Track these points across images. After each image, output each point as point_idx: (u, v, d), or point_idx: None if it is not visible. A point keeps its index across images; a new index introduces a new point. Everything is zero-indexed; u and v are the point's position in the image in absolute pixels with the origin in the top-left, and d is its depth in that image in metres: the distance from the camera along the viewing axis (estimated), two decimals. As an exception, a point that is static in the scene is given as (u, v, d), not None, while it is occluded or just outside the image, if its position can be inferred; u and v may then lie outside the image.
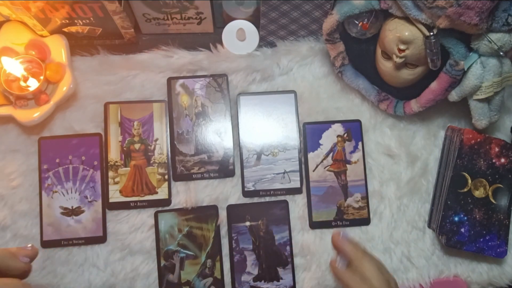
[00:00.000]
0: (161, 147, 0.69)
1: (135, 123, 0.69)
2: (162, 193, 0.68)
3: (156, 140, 0.69)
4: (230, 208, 0.68)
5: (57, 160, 0.67)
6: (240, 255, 0.67)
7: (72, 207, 0.67)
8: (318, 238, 0.69)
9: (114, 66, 0.70)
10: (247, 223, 0.68)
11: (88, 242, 0.66)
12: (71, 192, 0.67)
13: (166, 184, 0.68)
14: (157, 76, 0.71)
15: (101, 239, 0.66)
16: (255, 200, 0.69)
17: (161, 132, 0.69)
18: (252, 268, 0.67)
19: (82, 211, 0.67)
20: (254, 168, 0.69)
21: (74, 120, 0.69)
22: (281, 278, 0.67)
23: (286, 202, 0.69)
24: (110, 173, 0.68)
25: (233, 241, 0.67)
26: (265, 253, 0.67)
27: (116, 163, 0.68)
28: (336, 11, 0.62)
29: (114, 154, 0.68)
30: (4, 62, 0.63)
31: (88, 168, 0.68)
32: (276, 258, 0.67)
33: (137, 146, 0.69)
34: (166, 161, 0.69)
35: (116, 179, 0.68)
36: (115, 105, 0.69)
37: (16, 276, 0.43)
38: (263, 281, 0.67)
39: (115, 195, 0.67)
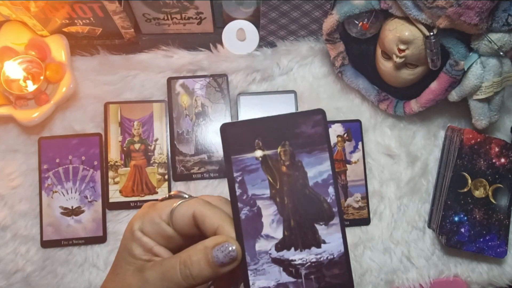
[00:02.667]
0: (161, 147, 0.69)
1: (135, 123, 0.69)
2: (162, 193, 0.68)
3: (156, 140, 0.69)
4: (227, 129, 0.38)
5: (57, 160, 0.67)
6: (250, 208, 0.37)
7: (72, 207, 0.67)
8: (318, 238, 0.69)
9: (114, 66, 0.70)
10: (258, 153, 0.38)
11: (88, 242, 0.66)
12: (71, 192, 0.67)
13: (166, 184, 0.68)
14: (157, 76, 0.71)
15: (101, 239, 0.66)
16: None
17: (161, 132, 0.69)
18: (272, 228, 0.37)
19: (82, 211, 0.67)
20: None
21: (74, 120, 0.69)
22: (324, 242, 0.37)
23: (322, 114, 0.39)
24: (110, 173, 0.68)
25: (236, 185, 0.37)
26: (294, 200, 0.38)
27: (116, 163, 0.68)
28: (336, 11, 0.62)
29: (114, 154, 0.68)
30: (7, 68, 0.64)
31: (88, 168, 0.68)
32: (312, 208, 0.37)
33: (137, 146, 0.69)
34: (166, 161, 0.69)
35: (116, 179, 0.68)
36: (115, 105, 0.69)
37: None
38: (293, 249, 0.37)
39: (115, 195, 0.67)
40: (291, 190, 0.38)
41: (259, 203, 0.38)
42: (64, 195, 0.67)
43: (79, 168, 0.67)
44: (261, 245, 0.37)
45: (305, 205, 0.38)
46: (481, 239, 0.66)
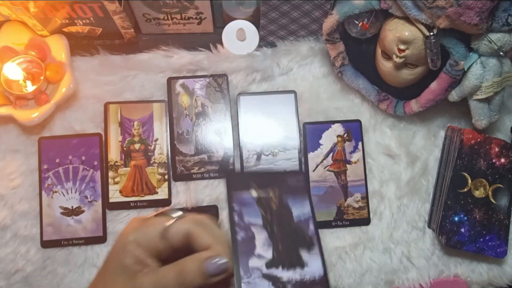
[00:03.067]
0: (161, 147, 0.69)
1: (135, 123, 0.69)
2: (162, 193, 0.68)
3: (156, 140, 0.69)
4: (232, 175, 0.56)
5: (57, 160, 0.67)
6: (245, 231, 0.45)
7: (72, 207, 0.67)
8: (318, 238, 0.69)
9: (114, 66, 0.70)
10: (254, 193, 0.48)
11: (88, 242, 0.66)
12: (71, 192, 0.67)
13: (166, 184, 0.68)
14: (157, 76, 0.71)
15: (101, 239, 0.66)
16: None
17: (161, 132, 0.69)
18: (263, 249, 0.45)
19: (82, 211, 0.67)
20: (254, 168, 0.69)
21: (74, 120, 0.69)
22: (307, 265, 0.45)
23: (303, 174, 0.56)
24: (110, 173, 0.67)
25: (235, 214, 0.45)
26: (281, 230, 0.47)
27: (116, 163, 0.68)
28: (336, 11, 0.62)
29: (114, 154, 0.68)
30: (6, 70, 0.64)
31: (88, 168, 0.68)
32: (296, 240, 0.47)
33: (137, 146, 0.69)
34: (166, 161, 0.69)
35: (116, 179, 0.68)
36: (115, 105, 0.69)
37: None
38: (280, 268, 0.44)
39: (115, 195, 0.67)
40: (280, 223, 0.46)
41: (253, 228, 0.45)
42: (64, 195, 0.67)
43: (79, 168, 0.67)
44: (253, 262, 0.43)
45: (291, 235, 0.47)
46: (481, 239, 0.66)
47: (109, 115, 0.69)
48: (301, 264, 0.45)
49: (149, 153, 0.69)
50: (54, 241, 0.66)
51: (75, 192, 0.67)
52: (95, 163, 0.68)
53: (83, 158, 0.68)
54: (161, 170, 0.68)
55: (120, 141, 0.68)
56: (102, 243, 0.67)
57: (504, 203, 0.67)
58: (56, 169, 0.67)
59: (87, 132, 0.69)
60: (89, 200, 0.67)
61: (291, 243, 0.47)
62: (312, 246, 0.47)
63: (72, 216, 0.66)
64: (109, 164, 0.68)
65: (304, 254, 0.46)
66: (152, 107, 0.70)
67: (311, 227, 0.48)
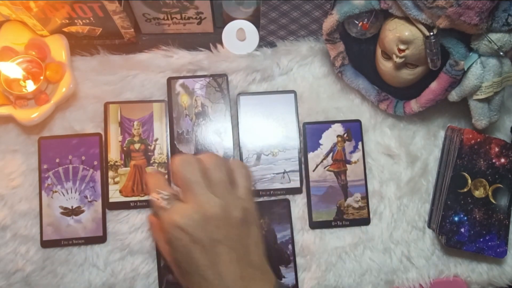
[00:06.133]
0: (161, 147, 0.69)
1: (135, 123, 0.69)
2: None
3: (156, 140, 0.69)
4: None
5: (57, 160, 0.67)
6: None
7: (72, 207, 0.66)
8: (318, 238, 0.69)
9: (114, 66, 0.70)
10: None
11: (88, 242, 0.66)
12: (71, 192, 0.67)
13: (166, 184, 0.68)
14: (157, 76, 0.71)
15: (101, 239, 0.66)
16: (255, 199, 0.68)
17: (161, 132, 0.69)
18: None
19: (82, 211, 0.67)
20: (254, 168, 0.69)
21: (74, 120, 0.69)
22: (284, 277, 0.66)
23: (288, 201, 0.68)
24: (110, 173, 0.68)
25: None
26: (267, 251, 0.61)
27: (116, 163, 0.68)
28: (336, 11, 0.62)
29: (114, 154, 0.68)
30: (2, 67, 0.63)
31: (88, 168, 0.67)
32: (278, 257, 0.67)
33: (137, 146, 0.69)
34: (166, 161, 0.69)
35: (116, 179, 0.68)
36: (115, 105, 0.69)
37: None
38: None
39: (115, 195, 0.67)
40: (267, 245, 0.55)
41: None
42: (64, 195, 0.67)
43: (79, 168, 0.67)
44: None
45: (274, 255, 0.66)
46: (481, 239, 0.66)
47: (109, 115, 0.69)
48: (280, 277, 0.66)
49: (149, 153, 0.69)
50: (54, 241, 0.66)
51: (75, 192, 0.67)
52: (95, 163, 0.68)
53: (83, 158, 0.67)
54: (161, 170, 0.68)
55: (120, 141, 0.68)
56: (102, 243, 0.66)
57: (504, 203, 0.67)
58: (56, 169, 0.67)
59: (87, 132, 0.69)
60: (89, 200, 0.67)
61: (273, 261, 0.65)
62: (289, 263, 0.67)
63: (72, 216, 0.66)
64: (109, 164, 0.68)
65: (283, 269, 0.66)
66: (152, 107, 0.70)
67: (290, 247, 0.67)
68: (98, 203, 0.67)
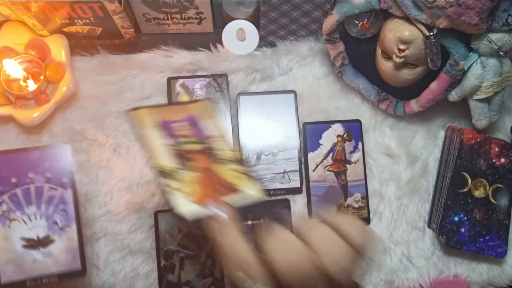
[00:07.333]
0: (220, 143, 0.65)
1: (179, 124, 0.58)
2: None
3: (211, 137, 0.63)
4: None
5: (14, 180, 0.55)
6: None
7: (38, 237, 0.55)
8: (318, 238, 0.69)
9: (114, 66, 0.70)
10: (249, 222, 0.67)
11: (62, 278, 0.55)
12: (35, 219, 0.56)
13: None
14: (157, 76, 0.71)
15: (79, 273, 0.55)
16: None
17: (216, 128, 0.65)
18: None
19: (52, 241, 0.55)
20: (254, 168, 0.69)
21: (74, 120, 0.69)
22: None
23: (288, 201, 0.68)
24: (168, 181, 0.52)
25: None
26: None
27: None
28: (336, 11, 0.62)
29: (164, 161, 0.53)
30: (6, 65, 0.63)
31: (55, 187, 0.56)
32: None
33: (193, 146, 0.58)
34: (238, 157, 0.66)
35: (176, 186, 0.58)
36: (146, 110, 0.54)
37: None
38: None
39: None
40: None
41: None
42: (26, 223, 0.55)
43: (44, 188, 0.56)
44: None
45: None
46: (481, 239, 0.66)
47: (143, 121, 0.54)
48: None
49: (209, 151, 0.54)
50: (17, 283, 0.53)
51: (41, 218, 0.56)
52: (64, 180, 0.56)
53: (48, 175, 0.56)
54: (229, 166, 0.59)
55: (166, 145, 0.53)
56: (81, 276, 0.56)
57: (504, 203, 0.67)
58: (12, 191, 0.55)
59: (48, 144, 0.60)
60: (60, 226, 0.56)
61: None
62: None
63: (39, 248, 0.55)
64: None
65: None
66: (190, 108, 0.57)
67: None
68: (72, 229, 0.56)
